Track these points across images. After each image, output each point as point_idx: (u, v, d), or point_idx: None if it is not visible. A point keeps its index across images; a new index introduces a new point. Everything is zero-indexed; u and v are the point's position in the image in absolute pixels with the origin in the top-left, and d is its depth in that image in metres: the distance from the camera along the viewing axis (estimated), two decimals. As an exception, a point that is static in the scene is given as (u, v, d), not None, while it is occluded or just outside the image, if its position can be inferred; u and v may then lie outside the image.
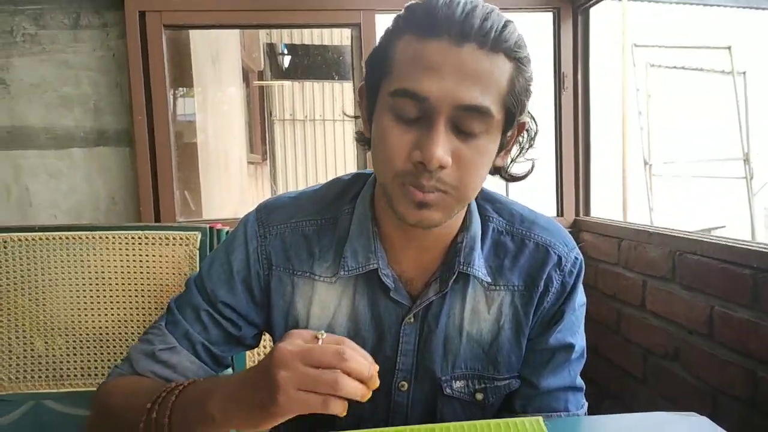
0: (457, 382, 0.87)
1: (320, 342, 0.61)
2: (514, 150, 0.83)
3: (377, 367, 0.62)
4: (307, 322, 0.87)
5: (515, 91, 0.72)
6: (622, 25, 5.14)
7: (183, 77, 2.62)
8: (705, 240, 1.43)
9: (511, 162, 0.84)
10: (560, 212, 2.15)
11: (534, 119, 0.83)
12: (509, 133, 0.77)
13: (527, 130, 0.83)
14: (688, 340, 1.50)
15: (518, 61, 0.71)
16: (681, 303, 1.52)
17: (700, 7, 6.09)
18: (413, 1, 0.72)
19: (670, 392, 1.58)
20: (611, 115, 5.08)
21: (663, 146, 5.77)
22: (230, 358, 0.90)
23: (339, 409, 0.59)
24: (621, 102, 5.30)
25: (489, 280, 0.85)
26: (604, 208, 2.18)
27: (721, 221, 5.81)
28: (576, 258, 0.88)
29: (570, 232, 0.87)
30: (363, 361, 0.60)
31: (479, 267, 0.83)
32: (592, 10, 2.08)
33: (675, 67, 5.95)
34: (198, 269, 0.90)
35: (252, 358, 1.45)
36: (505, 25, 0.69)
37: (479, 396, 0.88)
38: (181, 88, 2.63)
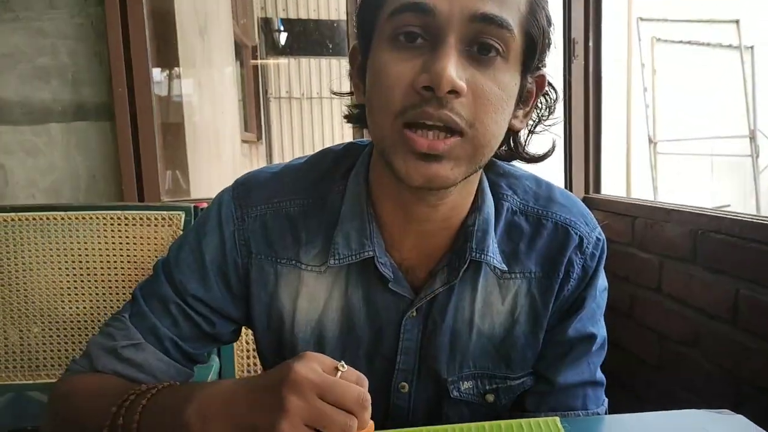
0: (465, 383, 0.77)
1: (339, 375, 0.53)
2: (532, 118, 0.73)
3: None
4: (293, 318, 0.76)
5: (536, 17, 0.61)
6: (627, -3, 5.00)
7: (167, 48, 2.50)
8: (731, 217, 1.33)
9: (530, 134, 0.74)
10: (569, 189, 2.04)
11: (553, 86, 0.72)
12: (529, 80, 0.66)
13: (546, 96, 0.72)
14: (709, 326, 1.40)
15: None
16: (702, 286, 1.42)
17: (707, -22, 5.92)
18: None
19: (688, 382, 1.49)
20: (615, 91, 4.96)
21: (668, 123, 5.65)
22: (205, 355, 0.79)
23: None
24: (625, 77, 5.18)
25: (505, 268, 0.73)
26: (606, 187, 2.07)
27: (726, 200, 5.71)
28: (598, 238, 0.78)
29: None
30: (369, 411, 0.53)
31: (494, 254, 0.72)
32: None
33: (681, 42, 5.81)
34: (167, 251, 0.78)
35: (241, 354, 1.35)
36: None
37: (490, 397, 0.78)
38: (165, 60, 2.51)
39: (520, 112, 0.68)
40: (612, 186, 2.42)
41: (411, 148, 0.59)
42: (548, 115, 0.74)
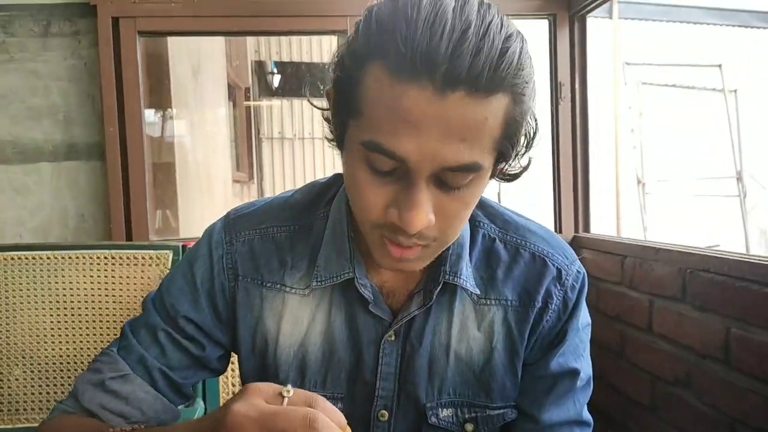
0: (444, 410, 0.76)
1: (286, 402, 0.50)
2: (521, 141, 0.72)
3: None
4: (276, 340, 0.75)
5: (511, 130, 0.59)
6: (613, 43, 5.12)
7: (161, 89, 2.52)
8: (719, 256, 1.33)
9: (505, 166, 0.73)
10: (558, 229, 2.06)
11: (534, 117, 0.70)
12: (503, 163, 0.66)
13: (525, 133, 0.71)
14: (701, 366, 1.39)
15: (517, 88, 0.57)
16: (693, 325, 1.41)
17: (690, 25, 6.08)
18: (377, 5, 0.58)
19: (681, 422, 1.47)
20: (603, 133, 5.04)
21: (656, 165, 5.72)
22: (192, 389, 0.78)
23: None
24: (613, 120, 5.26)
25: (478, 292, 0.74)
26: (596, 228, 2.08)
27: (715, 240, 5.74)
28: (578, 271, 0.77)
29: None
30: (335, 428, 0.49)
31: (467, 277, 0.73)
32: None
33: (666, 85, 5.93)
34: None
35: (225, 389, 1.32)
36: (502, 52, 0.54)
37: (469, 427, 0.76)
38: (158, 101, 2.53)
39: (494, 176, 0.68)
40: (602, 227, 2.44)
41: (387, 252, 0.63)
42: (526, 151, 0.71)
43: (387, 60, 0.55)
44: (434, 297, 0.72)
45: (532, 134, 0.69)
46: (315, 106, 0.74)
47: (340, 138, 0.64)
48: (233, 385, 1.34)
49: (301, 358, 0.75)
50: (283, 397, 0.50)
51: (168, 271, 1.33)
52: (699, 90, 6.01)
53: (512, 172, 0.72)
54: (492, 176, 0.66)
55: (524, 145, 0.69)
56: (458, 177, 0.58)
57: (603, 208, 4.89)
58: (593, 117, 2.08)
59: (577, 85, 2.02)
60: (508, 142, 0.60)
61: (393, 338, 0.74)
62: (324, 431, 0.48)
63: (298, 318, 0.75)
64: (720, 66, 5.91)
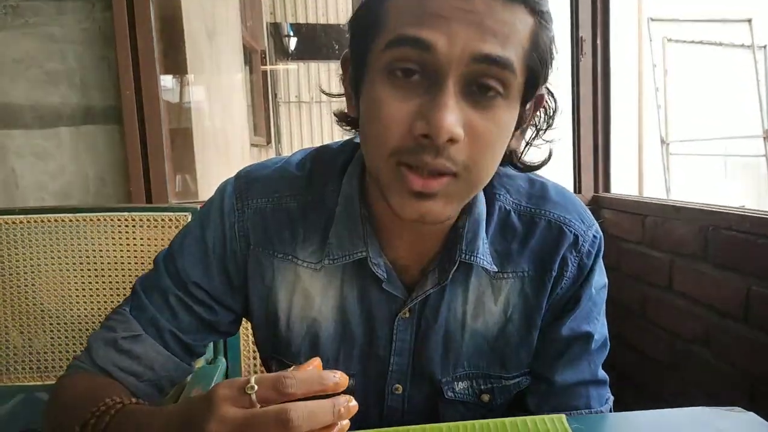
0: (460, 383, 0.76)
1: (253, 396, 0.47)
2: (529, 132, 0.70)
3: (349, 397, 0.49)
4: (288, 313, 0.75)
5: (539, 49, 0.59)
6: (637, -3, 4.97)
7: (175, 53, 2.51)
8: (741, 213, 1.31)
9: (527, 146, 0.72)
10: (578, 189, 2.03)
11: (553, 95, 0.70)
12: (528, 106, 0.64)
13: (544, 107, 0.70)
14: (721, 324, 1.38)
15: (540, 15, 0.59)
16: (713, 283, 1.39)
17: (719, -23, 5.86)
18: None
19: (700, 380, 1.47)
20: (627, 92, 4.93)
21: (681, 124, 5.60)
22: (204, 347, 0.79)
23: None
24: (637, 78, 5.14)
25: (495, 269, 0.73)
26: (618, 189, 2.05)
27: (741, 201, 5.64)
28: (595, 236, 0.76)
29: (590, 210, 0.75)
30: (320, 414, 0.46)
31: (484, 255, 0.71)
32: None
33: (693, 42, 5.75)
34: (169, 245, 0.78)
35: (246, 347, 1.35)
36: None
37: (485, 397, 0.77)
38: (173, 65, 2.52)
39: (517, 132, 0.66)
40: (624, 188, 2.40)
41: (406, 186, 0.59)
42: (547, 128, 0.71)
43: None
44: (450, 275, 0.71)
45: (552, 110, 0.69)
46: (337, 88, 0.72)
47: (359, 77, 0.63)
48: (254, 343, 1.36)
49: (314, 333, 0.75)
50: (249, 394, 0.47)
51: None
52: (727, 46, 5.82)
53: (533, 163, 0.72)
54: (518, 127, 0.64)
55: (544, 121, 0.69)
56: (491, 78, 0.56)
57: (626, 169, 4.83)
58: (616, 75, 2.02)
59: (599, 41, 1.96)
60: (537, 58, 0.59)
61: (407, 315, 0.73)
62: (299, 425, 0.45)
63: (310, 292, 0.74)
64: (750, 21, 5.71)
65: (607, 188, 2.02)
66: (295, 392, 0.47)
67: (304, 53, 5.82)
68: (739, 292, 1.31)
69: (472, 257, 0.70)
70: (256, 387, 0.47)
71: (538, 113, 0.69)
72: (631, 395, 1.76)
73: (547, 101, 0.69)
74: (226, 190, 0.76)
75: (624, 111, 4.78)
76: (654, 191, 5.23)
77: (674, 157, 5.62)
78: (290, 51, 5.88)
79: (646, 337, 1.69)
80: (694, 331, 1.48)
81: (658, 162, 5.58)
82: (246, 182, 0.76)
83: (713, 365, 1.41)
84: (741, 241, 1.31)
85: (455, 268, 0.71)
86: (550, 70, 0.63)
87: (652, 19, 5.47)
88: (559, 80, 0.70)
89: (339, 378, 0.48)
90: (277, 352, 0.78)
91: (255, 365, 1.35)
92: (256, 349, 1.35)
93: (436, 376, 0.75)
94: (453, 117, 0.55)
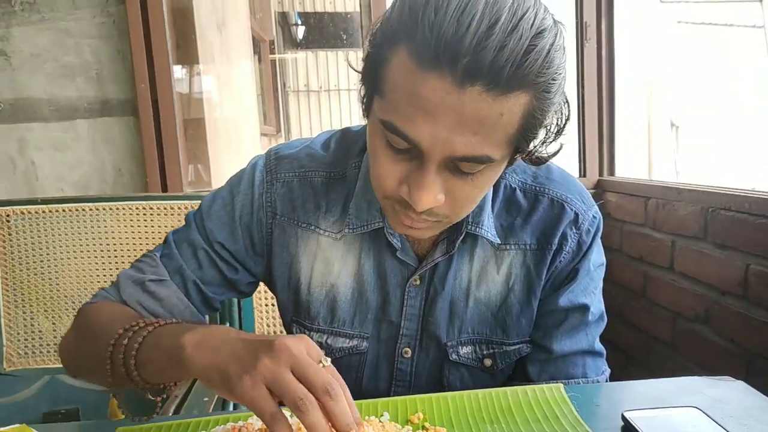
0: (464, 347, 0.82)
1: (319, 365, 0.54)
2: (540, 135, 0.70)
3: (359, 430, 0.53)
4: (309, 279, 0.82)
5: (529, 126, 0.60)
6: (646, -21, 4.93)
7: (187, 44, 2.56)
8: (740, 194, 1.34)
9: (535, 149, 0.72)
10: (583, 172, 2.06)
11: (565, 98, 0.68)
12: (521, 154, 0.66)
13: (558, 117, 0.69)
14: (720, 302, 1.42)
15: (542, 86, 0.57)
16: (713, 263, 1.43)
17: (729, -43, 5.80)
18: None
19: (700, 357, 1.51)
20: (636, 75, 4.90)
21: (691, 106, 5.57)
22: (219, 304, 0.86)
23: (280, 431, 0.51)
24: (647, 61, 5.11)
25: (498, 241, 0.79)
26: (627, 172, 2.08)
27: (752, 183, 5.62)
28: (594, 216, 0.82)
29: (593, 193, 0.78)
30: (347, 411, 0.52)
31: (488, 228, 0.78)
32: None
33: (704, 23, 5.70)
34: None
35: (259, 310, 1.40)
36: (528, 50, 0.54)
37: (488, 362, 0.83)
38: (185, 56, 2.56)
39: (517, 156, 0.67)
40: (634, 172, 2.42)
41: (398, 219, 0.67)
42: (556, 137, 0.70)
43: (413, 44, 0.55)
44: (456, 245, 0.77)
45: (564, 121, 0.68)
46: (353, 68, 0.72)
47: (366, 108, 0.66)
48: (266, 305, 1.42)
49: (333, 297, 0.82)
50: (320, 363, 0.54)
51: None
52: (738, 27, 5.76)
53: (541, 156, 0.72)
54: (511, 164, 0.67)
55: (554, 132, 0.68)
56: (469, 166, 0.60)
57: (635, 151, 4.82)
58: (625, 58, 2.04)
59: (603, 26, 1.98)
60: (523, 138, 0.61)
61: (418, 282, 0.80)
62: (337, 400, 0.51)
63: (330, 260, 0.81)
64: (761, 1, 5.64)
65: (611, 171, 2.05)
66: (340, 393, 0.52)
67: (312, 42, 5.85)
68: (738, 270, 1.35)
69: (478, 229, 0.76)
70: (328, 363, 0.55)
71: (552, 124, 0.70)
72: (634, 373, 1.80)
73: (556, 113, 0.68)
74: (258, 165, 0.83)
75: (634, 94, 4.77)
76: (664, 175, 5.22)
77: (684, 139, 5.59)
78: (298, 40, 5.91)
79: (649, 316, 1.73)
80: (695, 310, 1.52)
81: (669, 146, 5.56)
82: (276, 158, 0.83)
83: (713, 342, 1.45)
84: (740, 220, 1.34)
85: (461, 238, 0.77)
86: (542, 137, 0.64)
87: (662, 1, 5.43)
88: (570, 108, 0.69)
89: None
90: (299, 316, 0.84)
91: (268, 324, 1.41)
92: (267, 310, 1.41)
93: (442, 340, 0.81)
94: (431, 195, 0.61)
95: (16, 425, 0.70)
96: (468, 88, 0.54)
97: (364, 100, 0.66)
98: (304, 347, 0.54)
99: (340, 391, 0.52)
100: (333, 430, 0.52)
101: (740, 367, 1.36)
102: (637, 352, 1.80)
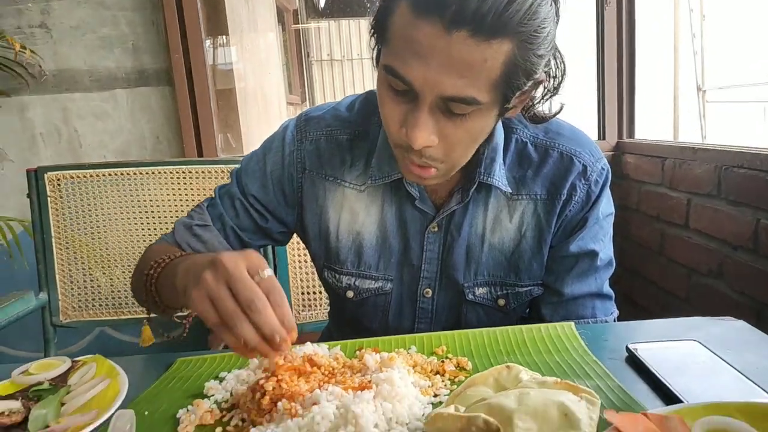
0: (480, 288, 0.90)
1: (257, 279, 0.59)
2: (539, 91, 0.76)
3: (289, 336, 0.58)
4: (337, 227, 0.91)
5: (511, 74, 0.65)
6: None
7: (217, 16, 2.62)
8: (752, 152, 1.38)
9: (532, 106, 0.79)
10: (602, 135, 2.09)
11: (561, 58, 0.74)
12: (513, 101, 0.71)
13: (553, 76, 0.75)
14: (733, 256, 1.47)
15: (523, 36, 0.63)
16: (726, 219, 1.48)
17: None
18: None
19: (713, 310, 1.56)
20: (662, 38, 4.82)
21: (719, 71, 5.46)
22: (258, 249, 0.96)
23: (228, 340, 0.58)
24: (673, 24, 5.01)
25: (510, 190, 0.85)
26: (651, 136, 2.09)
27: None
28: (603, 168, 0.87)
29: (612, 156, 0.82)
30: (268, 321, 0.56)
31: (500, 177, 0.84)
32: None
33: (733, -16, 5.55)
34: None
35: (293, 259, 1.50)
36: (510, 1, 0.60)
37: (501, 302, 0.90)
38: (215, 28, 2.63)
39: (514, 102, 0.72)
40: (658, 135, 2.43)
41: (408, 167, 0.75)
42: (554, 94, 0.77)
43: None
44: (470, 194, 0.84)
45: (559, 79, 0.74)
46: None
47: (376, 59, 0.75)
48: (299, 256, 1.52)
49: (359, 244, 0.90)
50: (258, 275, 0.59)
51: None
52: (770, -13, 5.59)
53: (540, 114, 0.80)
54: (502, 114, 0.73)
55: (550, 89, 0.75)
56: (458, 107, 0.67)
57: (661, 116, 4.77)
58: (649, 22, 2.03)
59: (623, -10, 2.00)
60: (507, 85, 0.67)
61: (436, 229, 0.88)
62: (256, 313, 0.56)
63: (355, 210, 0.89)
64: (794, -40, 5.46)
65: (631, 134, 2.09)
66: (260, 305, 0.57)
67: (335, 11, 5.85)
68: (749, 225, 1.39)
69: (490, 178, 0.83)
70: (265, 276, 0.59)
71: (546, 81, 0.75)
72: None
73: (553, 72, 0.74)
74: (289, 126, 0.93)
75: (659, 58, 4.70)
76: (690, 139, 5.17)
77: (711, 104, 5.50)
78: (320, 8, 5.91)
79: (665, 273, 1.79)
80: (709, 265, 1.57)
81: (695, 109, 5.48)
82: (305, 120, 0.92)
83: (726, 295, 1.51)
84: (752, 177, 1.38)
85: (474, 187, 0.84)
86: (527, 85, 0.69)
87: (690, -38, 5.29)
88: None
89: (286, 337, 0.58)
90: (329, 261, 0.94)
91: (302, 277, 1.51)
92: (301, 260, 1.50)
93: (460, 282, 0.89)
94: (424, 133, 0.68)
95: (92, 356, 0.80)
96: (454, 33, 0.61)
97: (374, 53, 0.75)
98: (243, 262, 0.58)
99: (261, 304, 0.56)
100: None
101: (750, 318, 1.41)
102: (655, 307, 1.86)
